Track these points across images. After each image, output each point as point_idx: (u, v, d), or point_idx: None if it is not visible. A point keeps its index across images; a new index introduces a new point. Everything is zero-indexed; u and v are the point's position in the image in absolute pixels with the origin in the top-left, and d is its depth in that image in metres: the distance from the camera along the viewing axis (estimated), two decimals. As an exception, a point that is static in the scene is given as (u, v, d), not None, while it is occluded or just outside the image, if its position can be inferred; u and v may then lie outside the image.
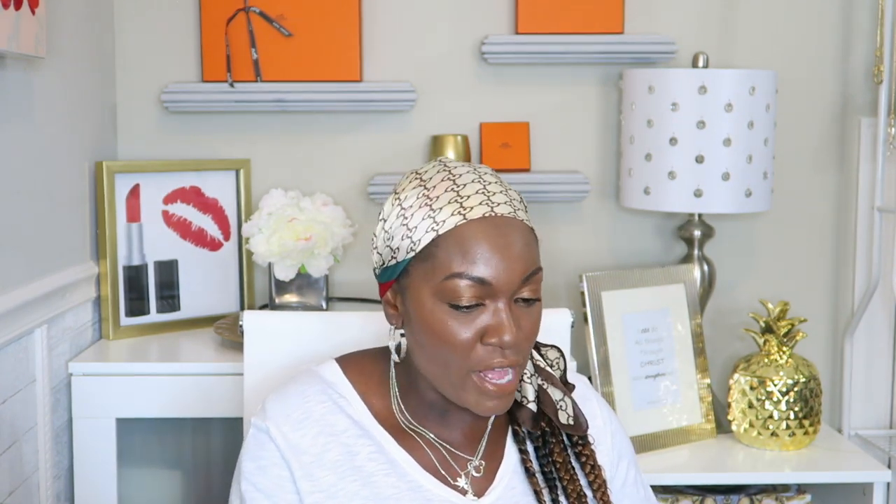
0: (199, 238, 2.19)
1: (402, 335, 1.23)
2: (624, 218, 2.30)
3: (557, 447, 1.27)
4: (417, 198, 1.19)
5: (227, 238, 2.22)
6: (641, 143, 2.05)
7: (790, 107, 2.25)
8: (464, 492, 1.23)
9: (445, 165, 1.22)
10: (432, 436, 1.25)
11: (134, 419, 2.05)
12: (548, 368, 1.29)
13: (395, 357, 1.25)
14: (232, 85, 2.18)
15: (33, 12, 1.62)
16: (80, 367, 1.89)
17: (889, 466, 2.19)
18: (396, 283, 1.21)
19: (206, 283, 2.19)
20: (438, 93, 2.26)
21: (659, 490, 1.94)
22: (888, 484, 1.92)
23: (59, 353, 1.86)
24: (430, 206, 1.17)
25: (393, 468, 1.22)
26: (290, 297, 2.14)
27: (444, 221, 1.16)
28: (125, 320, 2.10)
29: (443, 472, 1.23)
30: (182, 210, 2.17)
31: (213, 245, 2.21)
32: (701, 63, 2.09)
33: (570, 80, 2.26)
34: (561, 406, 1.25)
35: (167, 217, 2.15)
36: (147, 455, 2.30)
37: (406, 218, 1.19)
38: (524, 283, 1.17)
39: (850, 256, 2.30)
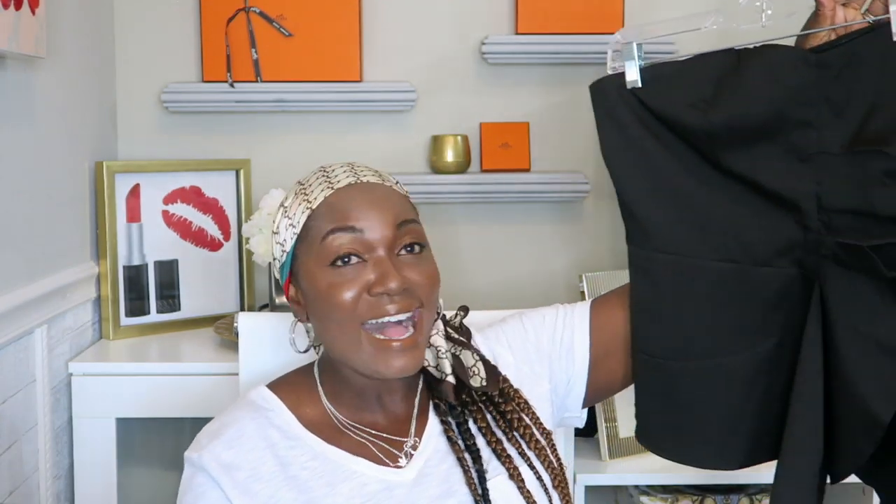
0: (199, 238, 2.19)
1: (308, 329, 1.30)
2: (624, 218, 2.29)
3: (479, 413, 1.28)
4: (296, 195, 1.27)
5: (227, 238, 2.22)
6: (641, 143, 2.04)
7: (790, 107, 2.25)
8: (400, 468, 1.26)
9: (322, 167, 1.30)
10: (369, 430, 1.27)
11: (134, 419, 2.05)
12: (454, 334, 1.31)
13: (296, 348, 1.31)
14: (232, 85, 2.18)
15: (33, 12, 1.62)
16: (80, 367, 1.89)
17: (889, 466, 2.19)
18: (291, 275, 1.26)
19: (206, 283, 2.19)
20: (438, 93, 2.26)
21: (659, 490, 1.94)
22: (888, 484, 1.92)
23: (59, 353, 1.86)
24: (305, 194, 1.25)
25: (325, 467, 1.24)
26: (290, 297, 2.14)
27: (315, 198, 1.23)
28: (125, 320, 2.10)
29: (383, 458, 1.25)
30: (182, 210, 2.17)
31: (213, 245, 2.21)
32: (701, 63, 2.09)
33: (570, 80, 2.26)
34: (473, 371, 1.28)
35: (167, 217, 2.15)
36: (147, 455, 2.30)
37: (287, 212, 1.26)
38: (399, 230, 1.21)
39: (850, 256, 2.30)
